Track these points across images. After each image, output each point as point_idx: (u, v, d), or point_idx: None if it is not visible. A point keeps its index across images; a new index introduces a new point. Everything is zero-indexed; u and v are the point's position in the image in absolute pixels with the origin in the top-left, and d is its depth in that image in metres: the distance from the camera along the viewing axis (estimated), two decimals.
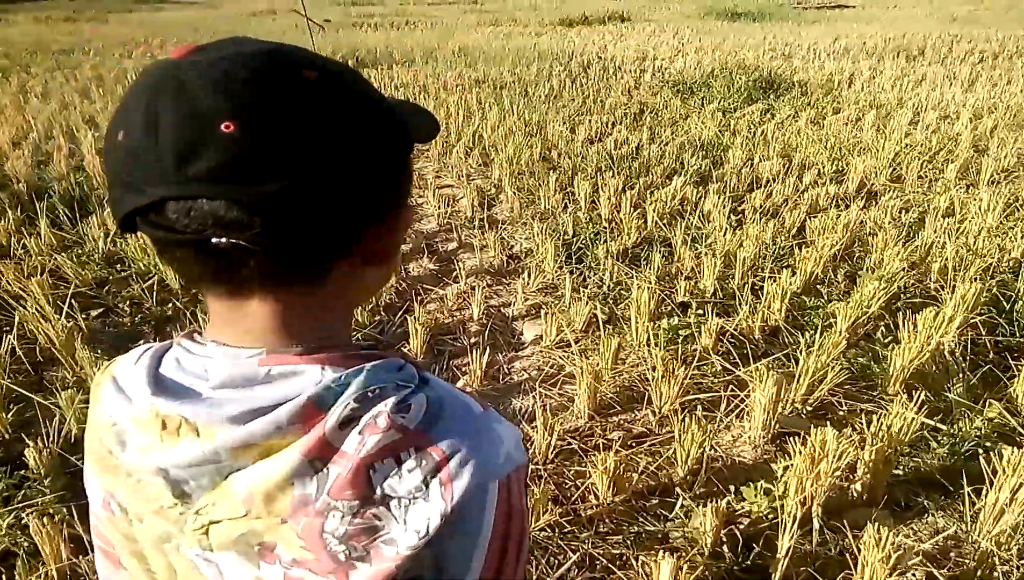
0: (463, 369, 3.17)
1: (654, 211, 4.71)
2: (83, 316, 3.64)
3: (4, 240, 4.52)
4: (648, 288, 3.53)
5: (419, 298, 3.91)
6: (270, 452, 0.57)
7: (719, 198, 4.89)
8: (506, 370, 3.22)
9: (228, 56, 0.53)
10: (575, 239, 4.48)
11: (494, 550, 0.59)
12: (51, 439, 2.56)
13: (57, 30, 21.55)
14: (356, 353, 0.62)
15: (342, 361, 0.60)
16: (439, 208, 5.13)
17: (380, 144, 0.58)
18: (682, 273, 3.99)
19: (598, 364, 3.04)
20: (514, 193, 5.31)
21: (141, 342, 3.49)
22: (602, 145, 6.53)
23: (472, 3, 34.95)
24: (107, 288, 4.03)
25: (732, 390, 2.89)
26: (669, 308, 3.57)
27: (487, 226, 4.81)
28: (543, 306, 3.73)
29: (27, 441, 2.50)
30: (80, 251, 4.42)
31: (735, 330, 3.30)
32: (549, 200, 5.14)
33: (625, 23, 21.53)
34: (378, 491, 0.56)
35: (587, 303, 3.57)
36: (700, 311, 3.46)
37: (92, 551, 0.71)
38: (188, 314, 3.66)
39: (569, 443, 2.69)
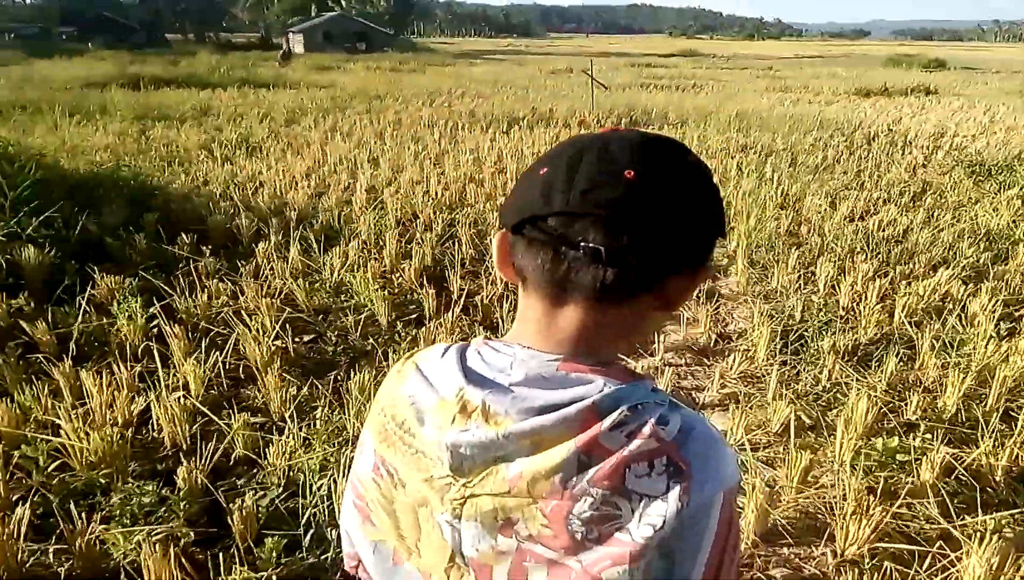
0: None
1: (904, 306, 4.04)
2: (295, 340, 3.85)
3: (261, 261, 4.95)
4: (871, 396, 2.99)
5: None
6: (542, 443, 0.70)
7: (991, 300, 4.08)
8: None
9: (641, 135, 0.75)
10: (800, 325, 3.97)
11: (716, 551, 0.69)
12: (205, 460, 2.65)
13: (380, 79, 24.16)
14: (627, 371, 0.75)
15: (619, 376, 0.73)
16: None
17: (711, 220, 0.75)
18: (921, 384, 3.34)
19: (781, 479, 2.58)
20: (745, 266, 4.88)
21: (333, 373, 3.63)
22: (863, 224, 5.83)
23: (766, 69, 33.99)
24: (324, 316, 4.25)
25: (942, 545, 2.29)
26: (891, 424, 2.98)
27: (705, 299, 4.43)
28: (740, 398, 3.30)
29: (182, 459, 2.62)
30: (316, 278, 4.73)
31: (969, 466, 2.65)
32: (783, 278, 4.64)
33: (930, 96, 19.54)
34: (628, 486, 0.68)
35: (790, 403, 3.10)
36: (928, 434, 2.84)
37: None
38: (381, 353, 3.71)
39: None
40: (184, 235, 5.19)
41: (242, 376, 3.48)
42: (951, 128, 11.51)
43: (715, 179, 0.77)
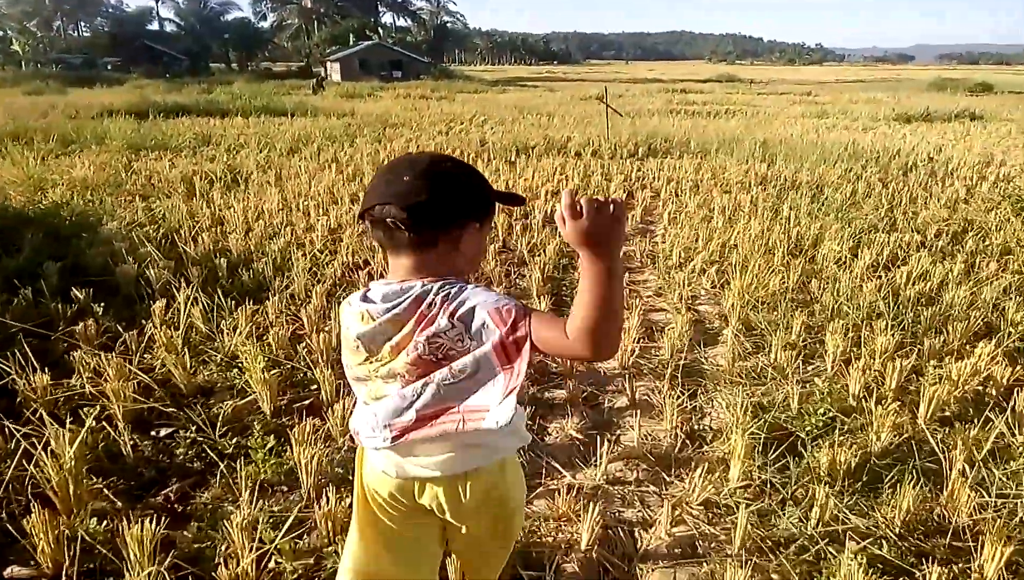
0: None
1: (932, 398, 3.09)
2: (149, 435, 3.09)
3: (154, 325, 4.10)
4: (872, 556, 2.07)
5: (536, 486, 2.75)
6: (402, 326, 1.37)
7: None
8: None
9: (421, 154, 1.42)
10: (796, 423, 3.05)
11: (499, 351, 1.30)
12: None
13: (404, 106, 23.49)
14: (438, 276, 1.39)
15: (431, 278, 1.39)
16: (633, 342, 3.92)
17: (459, 196, 1.39)
18: (949, 529, 2.40)
19: None
20: (736, 334, 3.96)
21: (164, 492, 2.76)
22: (888, 276, 4.86)
23: (804, 94, 32.83)
24: (205, 399, 3.41)
25: None
26: None
27: (681, 380, 3.52)
28: (697, 544, 2.39)
29: None
30: (207, 348, 3.88)
31: None
32: (781, 353, 3.71)
33: (975, 121, 18.31)
34: (435, 329, 1.34)
35: (758, 560, 2.18)
36: None
37: None
38: (226, 463, 2.87)
39: None
40: (76, 289, 4.42)
41: (32, 499, 2.59)
42: (998, 156, 10.42)
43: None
